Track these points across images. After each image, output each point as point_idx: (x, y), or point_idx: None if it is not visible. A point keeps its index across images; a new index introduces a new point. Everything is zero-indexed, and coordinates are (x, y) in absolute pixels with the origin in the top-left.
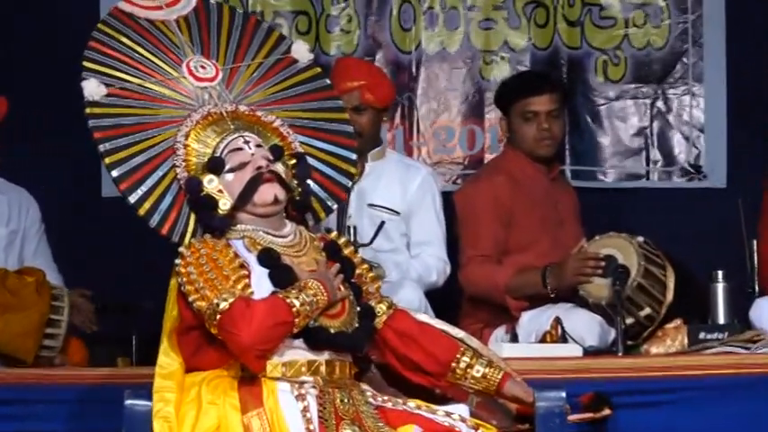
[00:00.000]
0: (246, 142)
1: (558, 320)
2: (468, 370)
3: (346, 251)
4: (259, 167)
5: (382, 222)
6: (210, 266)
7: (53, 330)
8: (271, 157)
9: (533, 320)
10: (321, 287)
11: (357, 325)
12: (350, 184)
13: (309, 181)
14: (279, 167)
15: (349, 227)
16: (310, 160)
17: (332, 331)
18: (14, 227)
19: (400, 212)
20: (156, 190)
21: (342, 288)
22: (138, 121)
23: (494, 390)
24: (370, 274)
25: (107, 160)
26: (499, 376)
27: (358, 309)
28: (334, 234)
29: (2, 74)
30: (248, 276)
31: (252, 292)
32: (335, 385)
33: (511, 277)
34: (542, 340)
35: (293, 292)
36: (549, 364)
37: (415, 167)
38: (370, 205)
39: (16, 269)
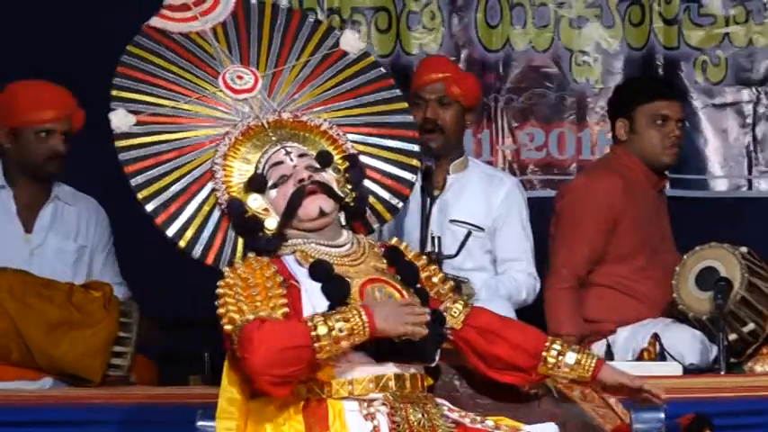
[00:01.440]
0: (288, 153)
1: (656, 337)
2: (561, 357)
3: (409, 256)
4: (301, 180)
5: (468, 233)
6: (242, 287)
7: (121, 348)
8: (316, 166)
9: (630, 337)
10: (364, 317)
11: (425, 332)
12: (414, 178)
13: (369, 182)
14: (325, 176)
15: (433, 238)
16: (369, 159)
17: (396, 341)
18: (83, 242)
19: (485, 228)
20: (196, 219)
21: (417, 320)
22: (173, 147)
23: (589, 376)
24: (440, 275)
25: (139, 195)
26: (593, 362)
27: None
28: (395, 240)
29: (79, 85)
30: (286, 295)
31: (286, 312)
32: (407, 400)
33: (579, 328)
34: (639, 358)
35: (329, 316)
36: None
37: (498, 178)
38: (453, 221)
39: (83, 283)
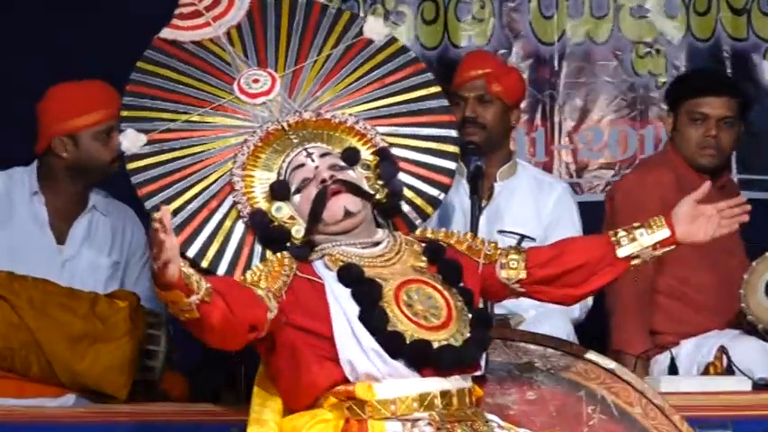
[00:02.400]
0: (309, 155)
1: (723, 350)
2: (629, 232)
3: (451, 240)
4: (323, 181)
5: (522, 238)
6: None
7: (149, 362)
8: (341, 164)
9: (695, 350)
10: None
11: (468, 335)
12: (454, 166)
13: (406, 175)
14: (352, 174)
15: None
16: (403, 151)
17: (435, 345)
18: (117, 257)
19: (536, 238)
20: (218, 236)
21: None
22: (187, 162)
23: (664, 224)
24: (478, 238)
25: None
26: (660, 218)
27: (470, 316)
28: (428, 231)
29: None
30: (284, 286)
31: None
32: (455, 419)
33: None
34: (705, 372)
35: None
36: (714, 399)
37: (548, 183)
38: (501, 232)
39: (108, 293)
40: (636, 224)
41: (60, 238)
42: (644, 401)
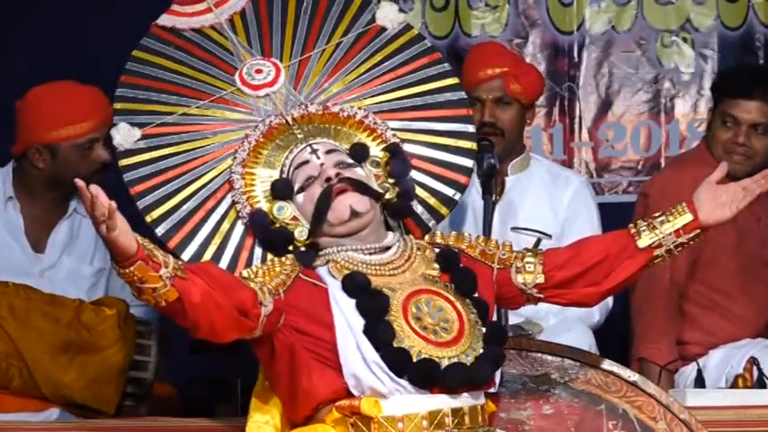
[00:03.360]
0: (314, 151)
1: (753, 361)
2: (650, 221)
3: (462, 245)
4: (328, 179)
5: (538, 240)
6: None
7: (138, 374)
8: (348, 161)
9: (723, 361)
10: None
11: (481, 351)
12: (471, 164)
13: (419, 173)
14: (360, 171)
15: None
16: (416, 147)
17: (444, 364)
18: (101, 263)
19: (552, 236)
20: (215, 238)
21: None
22: (184, 159)
23: (687, 209)
24: (492, 241)
25: (147, 218)
26: (682, 205)
27: (483, 330)
28: (438, 235)
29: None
30: (280, 284)
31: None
32: None
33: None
34: (734, 385)
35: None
36: (744, 413)
37: (564, 177)
38: (515, 229)
39: (94, 300)
40: (656, 213)
41: (38, 246)
42: (669, 416)
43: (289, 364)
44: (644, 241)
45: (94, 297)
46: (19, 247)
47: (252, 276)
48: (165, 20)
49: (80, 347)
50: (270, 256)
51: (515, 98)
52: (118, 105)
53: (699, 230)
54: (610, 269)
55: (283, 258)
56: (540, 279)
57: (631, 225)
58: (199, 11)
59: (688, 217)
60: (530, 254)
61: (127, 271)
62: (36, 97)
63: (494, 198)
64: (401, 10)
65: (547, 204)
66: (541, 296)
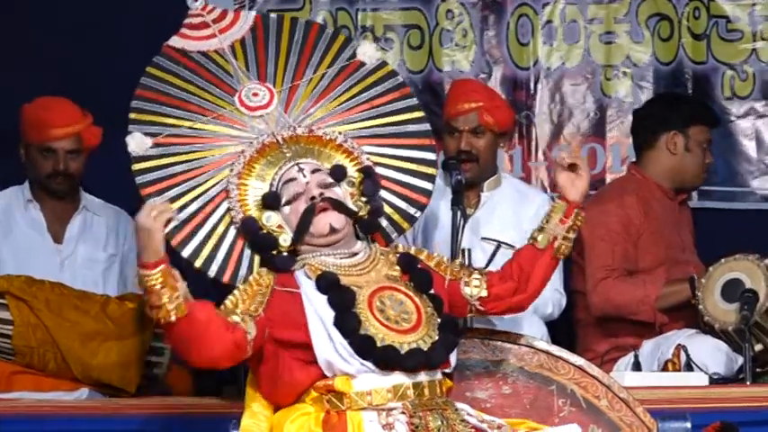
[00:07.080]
0: (300, 170)
1: (681, 348)
2: (540, 225)
3: (421, 257)
4: (312, 198)
5: (498, 246)
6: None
7: (156, 358)
8: (329, 181)
9: (655, 348)
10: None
11: (436, 338)
12: (431, 187)
13: (386, 193)
14: (338, 191)
15: (463, 250)
16: (385, 170)
17: (403, 350)
18: (113, 250)
19: (515, 246)
20: (211, 239)
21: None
22: (189, 167)
23: (560, 201)
24: (445, 257)
25: None
26: (558, 199)
27: (438, 320)
28: (400, 247)
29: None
30: (262, 303)
31: (252, 316)
32: (426, 408)
33: (661, 287)
34: (665, 369)
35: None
36: (673, 393)
37: (529, 194)
38: (484, 239)
39: (118, 295)
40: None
41: (57, 238)
42: (610, 395)
43: (274, 367)
44: (542, 242)
45: (110, 280)
46: (43, 242)
47: (232, 307)
48: (175, 41)
49: (106, 335)
50: (254, 267)
51: (488, 128)
52: (132, 115)
53: (576, 209)
54: (527, 276)
55: (257, 275)
56: (484, 293)
57: (528, 237)
58: (205, 35)
59: (563, 206)
60: (477, 272)
61: (152, 272)
62: (30, 103)
63: (465, 211)
64: (382, 48)
65: (512, 219)
66: (483, 309)
